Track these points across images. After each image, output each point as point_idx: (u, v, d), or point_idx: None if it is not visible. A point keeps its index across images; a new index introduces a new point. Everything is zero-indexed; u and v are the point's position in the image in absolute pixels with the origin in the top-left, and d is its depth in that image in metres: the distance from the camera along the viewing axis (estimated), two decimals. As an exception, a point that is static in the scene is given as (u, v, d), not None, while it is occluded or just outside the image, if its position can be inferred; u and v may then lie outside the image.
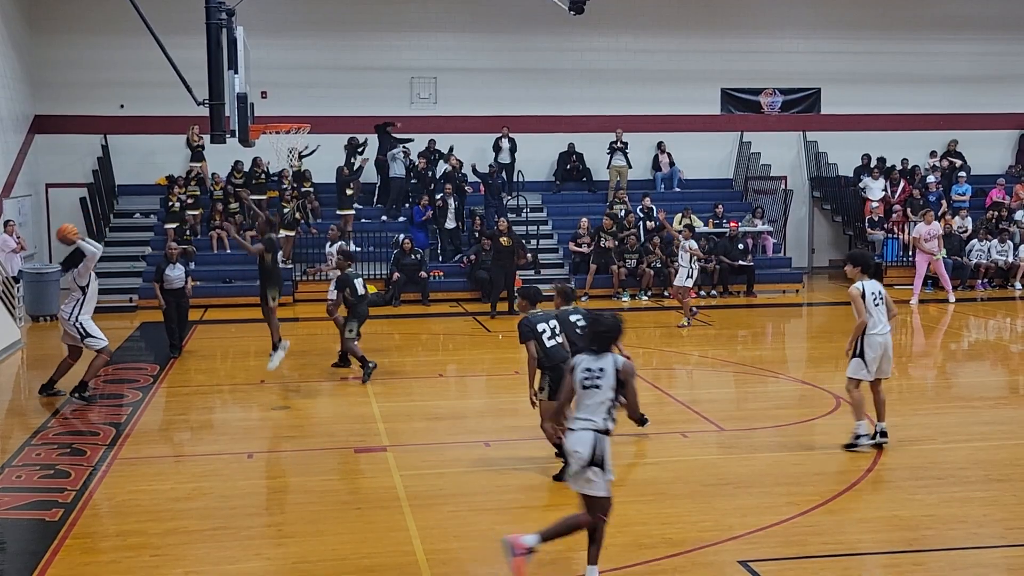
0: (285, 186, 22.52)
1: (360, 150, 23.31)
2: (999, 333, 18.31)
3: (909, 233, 23.50)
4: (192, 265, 19.59)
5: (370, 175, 23.92)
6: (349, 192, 22.60)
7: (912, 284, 21.02)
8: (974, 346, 16.96)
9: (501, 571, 7.09)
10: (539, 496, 8.71)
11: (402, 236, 21.89)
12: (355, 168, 23.14)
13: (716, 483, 9.02)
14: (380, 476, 9.29)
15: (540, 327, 9.07)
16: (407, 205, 23.54)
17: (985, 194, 25.16)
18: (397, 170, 23.44)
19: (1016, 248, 22.94)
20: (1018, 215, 23.94)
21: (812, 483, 8.91)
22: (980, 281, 22.64)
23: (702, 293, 21.83)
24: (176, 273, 15.33)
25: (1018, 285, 22.44)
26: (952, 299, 20.85)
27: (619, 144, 24.72)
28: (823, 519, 8.02)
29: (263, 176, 22.94)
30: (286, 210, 21.79)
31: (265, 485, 9.23)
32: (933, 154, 26.14)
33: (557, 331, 9.12)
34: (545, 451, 10.23)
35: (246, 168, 22.98)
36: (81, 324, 12.15)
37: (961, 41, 26.43)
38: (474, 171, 23.43)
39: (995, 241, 22.86)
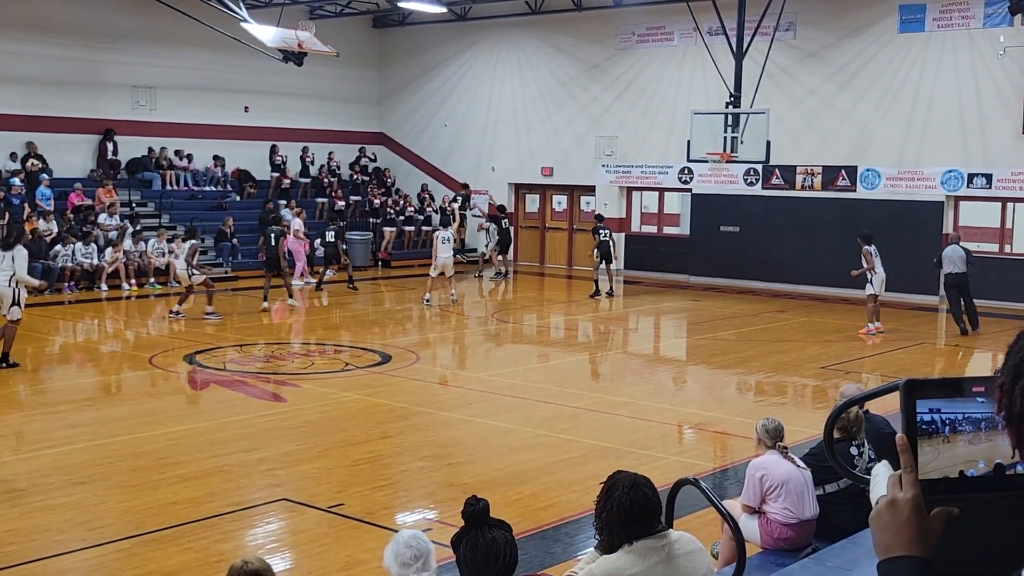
0: None
1: None
2: (88, 334, 18.72)
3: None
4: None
5: None
6: None
7: None
8: (64, 349, 17.08)
9: None
10: None
11: None
12: None
13: None
14: None
15: None
16: None
17: (66, 197, 25.38)
18: None
19: (101, 250, 23.61)
20: (102, 218, 24.64)
21: None
22: (67, 284, 22.82)
23: None
24: None
25: (104, 286, 23.11)
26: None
27: None
28: None
29: None
30: None
31: None
32: (14, 156, 25.65)
33: None
34: None
35: None
36: None
37: (39, 44, 26.24)
38: None
39: (80, 243, 23.22)
